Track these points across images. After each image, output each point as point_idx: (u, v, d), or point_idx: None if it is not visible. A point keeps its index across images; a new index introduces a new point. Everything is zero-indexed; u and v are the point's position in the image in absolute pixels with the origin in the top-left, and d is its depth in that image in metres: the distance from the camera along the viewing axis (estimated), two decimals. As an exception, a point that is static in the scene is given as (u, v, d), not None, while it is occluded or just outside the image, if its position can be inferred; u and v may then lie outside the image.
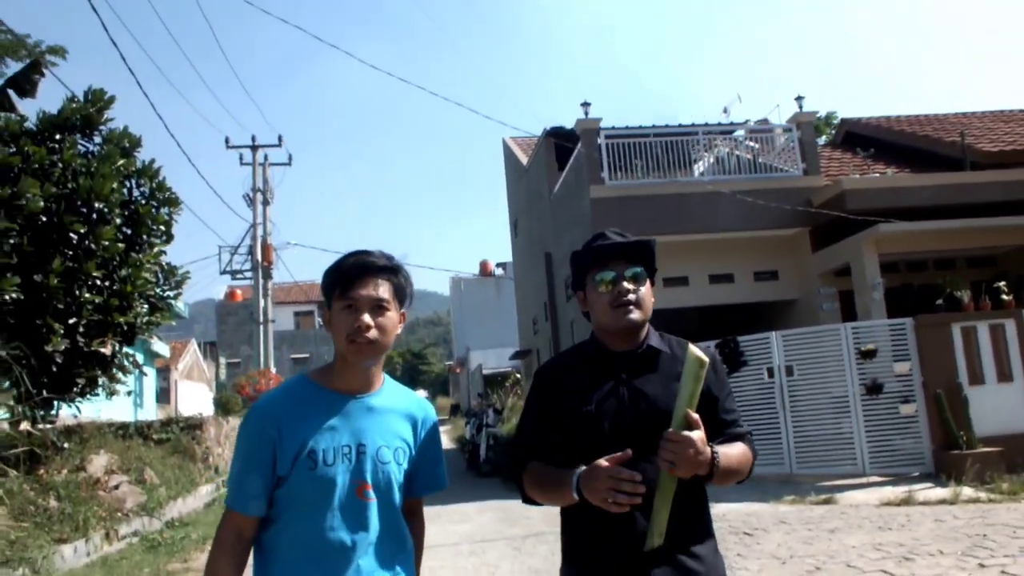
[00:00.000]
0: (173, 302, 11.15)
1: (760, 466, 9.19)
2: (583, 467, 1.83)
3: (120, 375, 10.32)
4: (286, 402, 1.90)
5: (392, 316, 1.92)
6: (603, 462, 1.77)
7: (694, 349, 1.84)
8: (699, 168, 13.28)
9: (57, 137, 9.92)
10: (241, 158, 25.53)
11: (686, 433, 1.73)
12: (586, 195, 11.95)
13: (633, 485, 1.72)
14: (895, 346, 9.90)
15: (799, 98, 12.72)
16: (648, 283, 2.04)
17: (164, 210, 10.58)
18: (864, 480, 9.46)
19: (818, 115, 25.65)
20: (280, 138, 26.25)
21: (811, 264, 12.48)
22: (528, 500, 2.07)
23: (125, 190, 10.19)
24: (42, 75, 9.26)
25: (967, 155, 12.53)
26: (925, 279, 12.61)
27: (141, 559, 7.52)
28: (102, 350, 9.49)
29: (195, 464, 12.67)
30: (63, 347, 8.80)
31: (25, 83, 9.14)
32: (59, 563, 7.04)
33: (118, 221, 9.75)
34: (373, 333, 1.86)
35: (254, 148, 25.53)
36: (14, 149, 9.22)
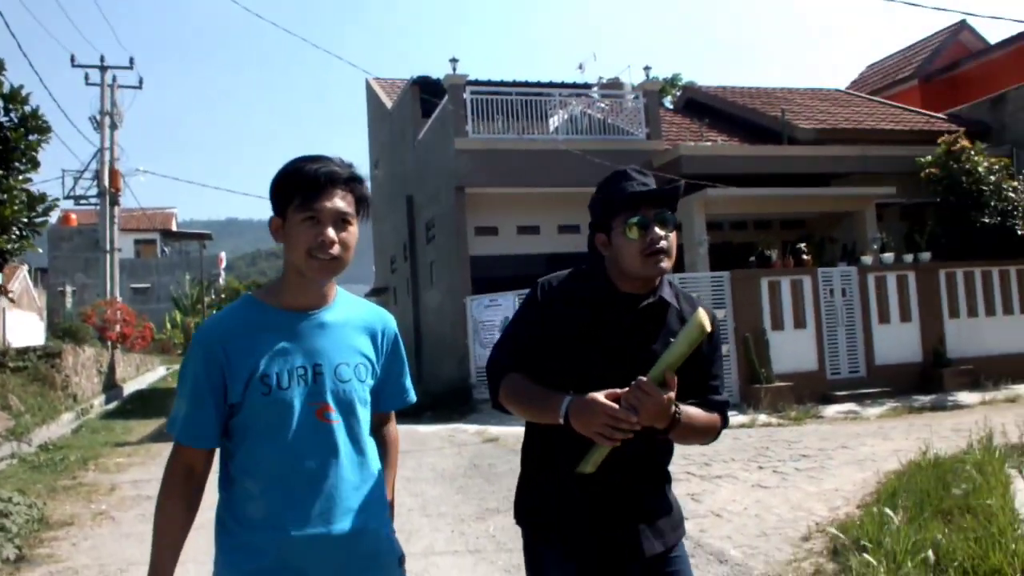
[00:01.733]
0: (38, 230, 11.23)
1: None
2: (573, 396, 1.84)
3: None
4: (232, 325, 1.80)
5: (354, 231, 1.83)
6: (600, 398, 1.78)
7: (702, 315, 1.83)
8: (554, 123, 14.39)
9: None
10: (87, 78, 24.39)
11: (658, 389, 1.75)
12: (451, 146, 12.79)
13: (630, 424, 1.75)
14: (714, 295, 11.46)
15: (647, 68, 14.01)
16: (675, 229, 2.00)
17: (33, 136, 10.61)
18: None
19: (666, 78, 27.44)
20: (132, 60, 25.22)
21: (650, 220, 13.92)
22: (497, 406, 2.07)
23: (-9, 111, 10.18)
24: None
25: (785, 130, 14.28)
26: (744, 237, 14.39)
27: (27, 476, 7.94)
28: (-23, 277, 9.60)
29: (55, 392, 12.78)
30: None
31: None
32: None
33: (-14, 148, 9.78)
34: (337, 249, 1.77)
35: (103, 68, 24.40)
36: None
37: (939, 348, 12.20)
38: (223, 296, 42.93)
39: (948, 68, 20.27)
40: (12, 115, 10.47)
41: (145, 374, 21.91)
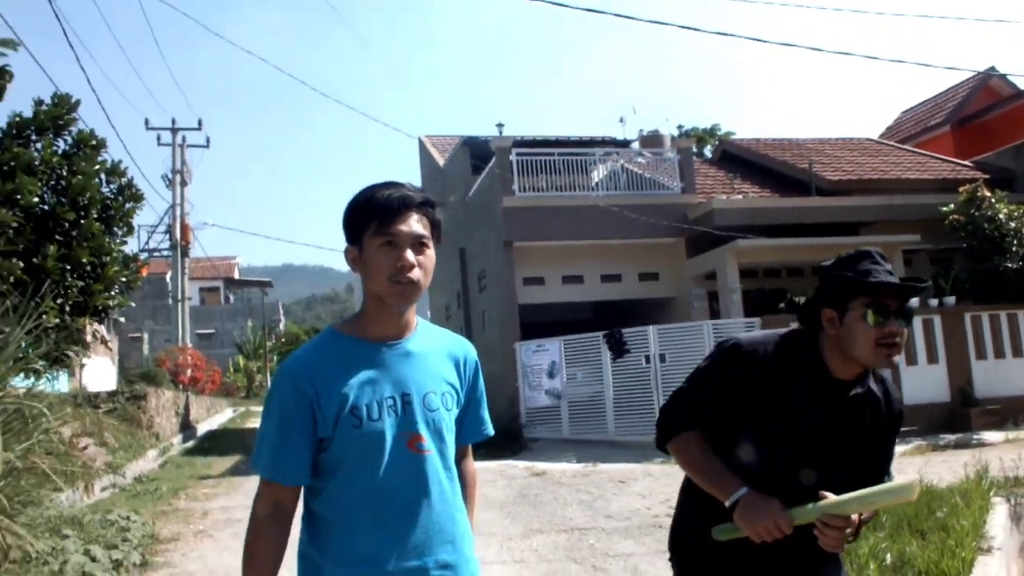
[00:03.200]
0: (132, 287, 12.59)
1: (638, 435, 11.47)
2: (749, 491, 1.90)
3: (87, 350, 11.76)
4: (318, 359, 1.79)
5: (432, 255, 1.82)
6: (777, 506, 1.86)
7: (913, 487, 1.89)
8: (596, 176, 15.44)
9: (33, 137, 11.25)
10: (159, 139, 26.27)
11: (848, 532, 1.89)
12: (499, 204, 13.92)
13: (782, 535, 1.85)
14: (746, 339, 12.26)
15: (680, 127, 15.03)
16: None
17: (129, 204, 12.02)
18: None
19: (705, 128, 28.46)
20: (200, 122, 27.11)
21: (686, 268, 14.84)
22: (663, 450, 2.14)
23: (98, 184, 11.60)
24: (9, 80, 10.57)
25: (813, 181, 15.12)
26: (778, 284, 15.18)
27: (130, 503, 9.08)
28: (86, 327, 10.94)
29: (141, 431, 14.03)
30: (54, 323, 10.22)
31: (-6, 89, 10.42)
32: (61, 507, 8.55)
33: (95, 214, 11.17)
34: (416, 272, 1.76)
35: (174, 131, 26.28)
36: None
37: (966, 388, 12.78)
38: (283, 340, 44.62)
39: (978, 115, 20.88)
40: (112, 187, 11.88)
41: (215, 415, 23.23)
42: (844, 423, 2.01)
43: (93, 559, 5.67)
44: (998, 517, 5.79)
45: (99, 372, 33.07)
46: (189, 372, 22.88)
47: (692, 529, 2.13)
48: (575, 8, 10.28)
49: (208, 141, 27.65)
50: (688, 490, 2.17)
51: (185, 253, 26.45)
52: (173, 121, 26.25)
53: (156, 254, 28.09)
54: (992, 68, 21.97)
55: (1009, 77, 21.88)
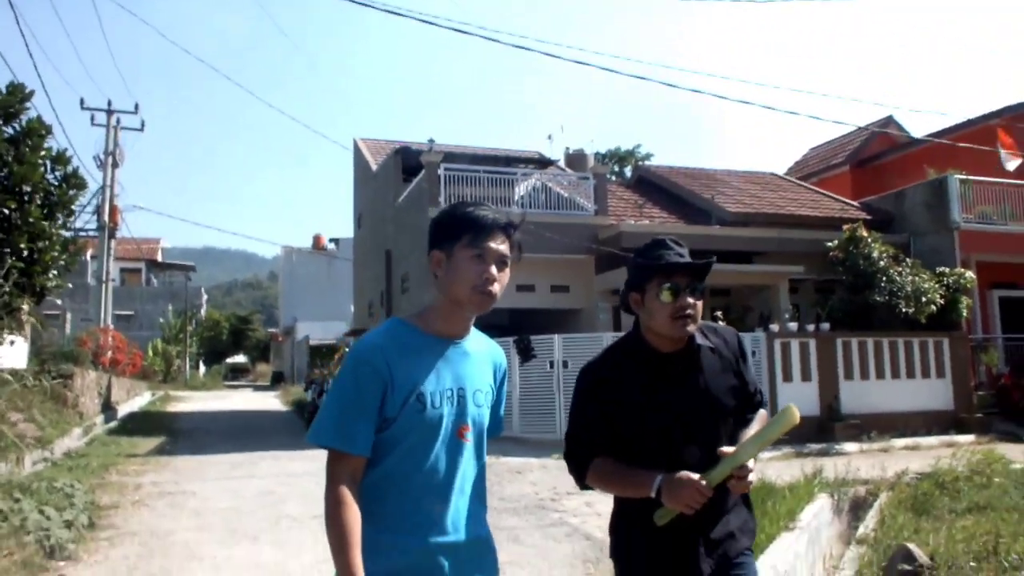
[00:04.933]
0: (71, 269, 13.19)
1: (539, 433, 12.64)
2: (663, 475, 2.12)
3: (22, 330, 12.33)
4: (393, 345, 1.94)
5: (508, 274, 2.00)
6: (690, 476, 2.08)
7: (793, 411, 2.10)
8: (519, 191, 16.58)
9: (-17, 124, 11.79)
10: (93, 119, 26.30)
11: (750, 479, 2.14)
12: (425, 214, 14.91)
13: (707, 498, 2.09)
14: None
15: (597, 153, 16.28)
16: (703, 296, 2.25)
17: (71, 192, 12.63)
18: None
19: (627, 150, 30.05)
20: (136, 106, 27.17)
21: (595, 283, 16.08)
22: (585, 487, 2.35)
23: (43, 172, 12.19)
24: None
25: (715, 212, 16.60)
26: (677, 302, 16.54)
27: (66, 476, 9.74)
28: (23, 307, 11.54)
29: (67, 409, 14.52)
30: (-4, 305, 10.82)
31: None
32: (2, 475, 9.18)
33: (38, 200, 11.77)
34: (496, 287, 1.94)
35: (109, 112, 26.27)
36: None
37: (834, 404, 14.34)
38: (203, 327, 44.42)
39: (874, 158, 22.86)
40: (57, 174, 12.47)
41: (134, 398, 23.51)
42: (690, 389, 2.24)
43: (48, 518, 6.49)
44: (815, 507, 7.06)
45: (10, 349, 32.71)
46: (110, 354, 23.06)
47: (626, 528, 2.34)
48: (505, 44, 11.39)
49: (143, 125, 27.73)
50: (620, 505, 2.39)
51: (112, 235, 26.51)
52: (109, 103, 26.18)
53: (82, 233, 27.95)
54: (890, 117, 24.04)
55: (904, 126, 23.94)
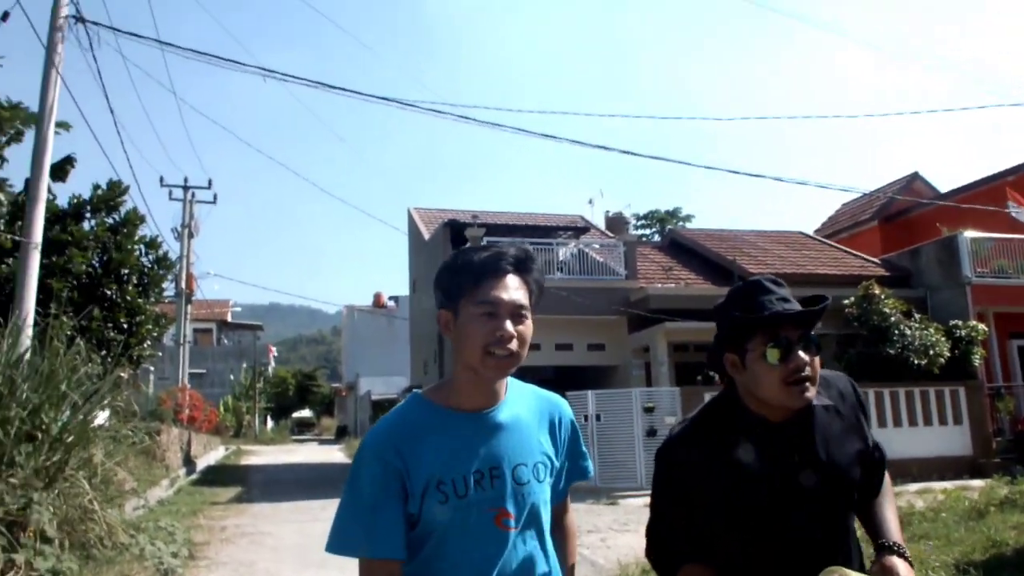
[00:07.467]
0: (160, 339, 15.14)
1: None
2: None
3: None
4: (404, 430, 1.70)
5: (530, 324, 1.70)
6: None
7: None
8: (560, 255, 18.16)
9: (87, 215, 13.89)
10: (171, 194, 28.86)
11: None
12: (471, 282, 16.55)
13: None
14: (671, 404, 14.87)
15: (636, 215, 17.79)
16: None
17: (162, 271, 14.62)
18: (642, 492, 14.29)
19: (668, 211, 31.52)
20: (210, 181, 29.71)
21: (627, 342, 17.48)
22: None
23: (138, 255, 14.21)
24: (73, 166, 13.16)
25: (737, 272, 17.87)
26: (703, 358, 17.79)
27: (167, 518, 11.43)
28: (122, 375, 13.42)
29: (155, 462, 16.35)
30: (97, 371, 12.70)
31: (60, 172, 12.98)
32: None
33: (134, 280, 13.75)
34: (515, 344, 1.65)
35: (185, 188, 28.88)
36: (59, 228, 13.15)
37: (853, 453, 15.34)
38: (271, 383, 46.68)
39: (900, 213, 23.85)
40: (150, 257, 14.47)
41: (211, 452, 25.49)
42: (809, 465, 1.81)
43: (159, 549, 8.13)
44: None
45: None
46: (188, 411, 25.10)
47: None
48: (534, 134, 13.08)
49: (215, 198, 30.22)
50: None
51: (189, 300, 28.84)
52: (185, 180, 28.76)
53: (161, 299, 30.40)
54: (916, 173, 25.04)
55: (930, 180, 24.93)
